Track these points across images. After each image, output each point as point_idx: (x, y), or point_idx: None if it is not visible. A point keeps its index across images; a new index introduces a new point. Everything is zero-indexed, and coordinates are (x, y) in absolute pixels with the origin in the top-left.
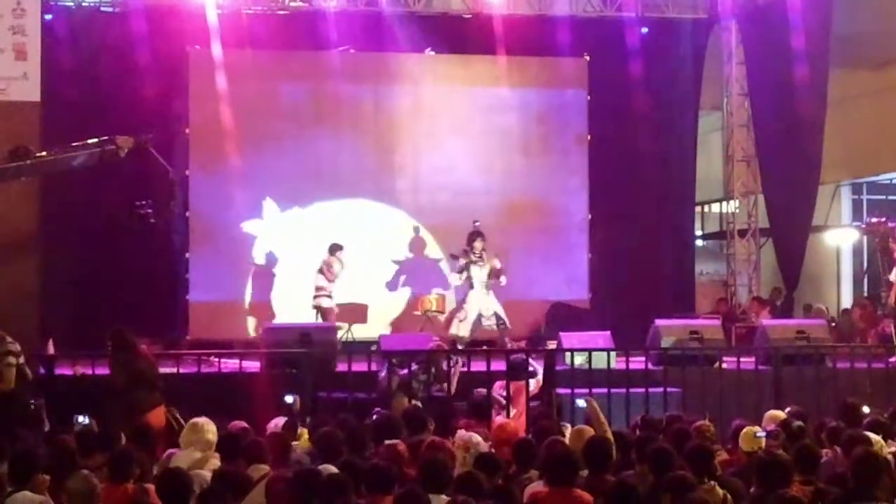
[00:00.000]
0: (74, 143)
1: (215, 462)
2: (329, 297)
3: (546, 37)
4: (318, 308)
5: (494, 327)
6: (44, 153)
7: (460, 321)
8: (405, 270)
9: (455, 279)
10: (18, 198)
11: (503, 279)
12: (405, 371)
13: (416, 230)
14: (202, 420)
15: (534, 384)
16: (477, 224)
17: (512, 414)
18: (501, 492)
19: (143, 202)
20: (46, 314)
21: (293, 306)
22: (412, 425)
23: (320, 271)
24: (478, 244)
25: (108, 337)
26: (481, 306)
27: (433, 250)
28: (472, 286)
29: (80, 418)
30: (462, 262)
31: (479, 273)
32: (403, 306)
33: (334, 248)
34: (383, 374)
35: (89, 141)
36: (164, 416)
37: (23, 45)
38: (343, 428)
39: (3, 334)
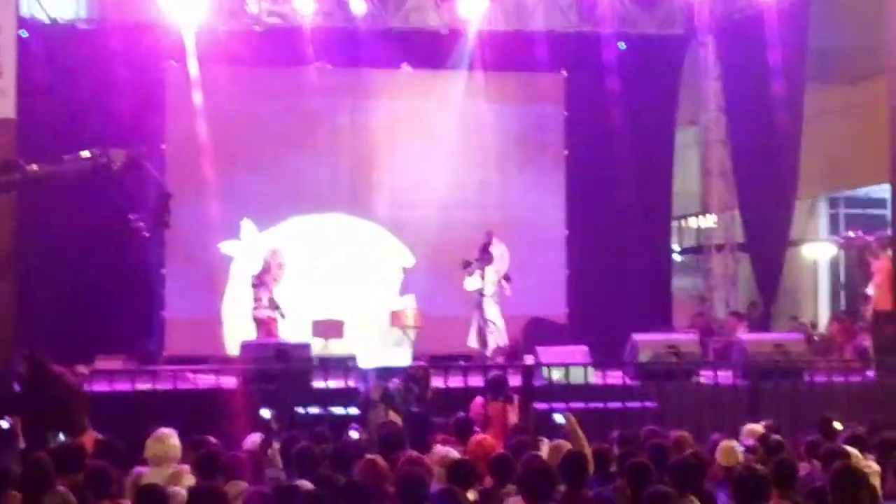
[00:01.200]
0: (65, 156)
1: (189, 478)
2: (266, 308)
3: (523, 52)
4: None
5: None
6: (34, 166)
7: (492, 334)
8: (381, 285)
9: (470, 283)
10: None
11: (508, 288)
12: (392, 383)
13: (392, 245)
14: (165, 431)
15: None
16: (489, 233)
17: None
18: None
19: (136, 216)
20: (23, 330)
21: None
22: (390, 441)
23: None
24: (492, 250)
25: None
26: (493, 315)
27: (409, 265)
28: (483, 294)
29: (58, 435)
30: (475, 265)
31: (492, 278)
32: (381, 322)
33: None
34: (369, 384)
35: (81, 154)
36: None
37: None
38: (319, 443)
39: None
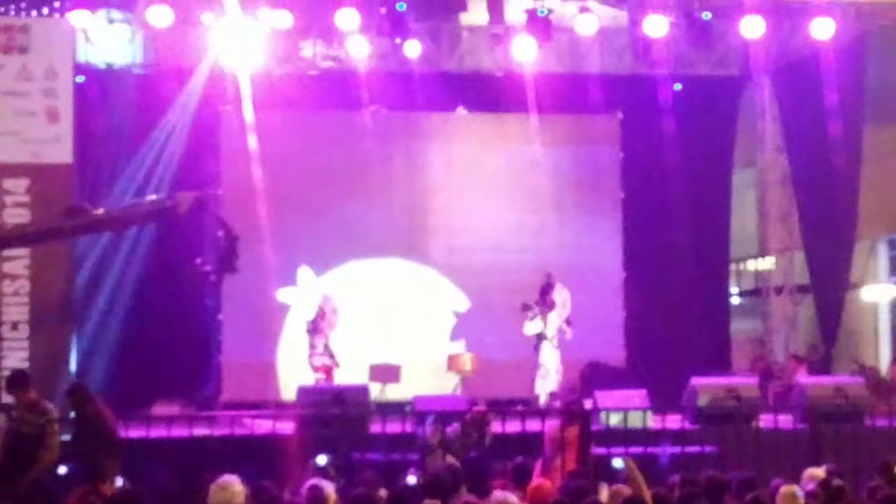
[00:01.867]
0: (133, 201)
1: None
2: (321, 355)
3: (578, 94)
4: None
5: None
6: (101, 210)
7: (542, 378)
8: (435, 329)
9: (529, 328)
10: (51, 259)
11: (569, 332)
12: (451, 428)
13: (447, 289)
14: (229, 479)
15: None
16: (550, 276)
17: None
18: None
19: (202, 259)
20: (81, 376)
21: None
22: (446, 485)
23: (311, 331)
24: (554, 295)
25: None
26: (552, 360)
27: (462, 309)
28: (544, 337)
29: (119, 481)
30: (536, 309)
31: (554, 322)
32: (437, 366)
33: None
34: (428, 429)
35: (148, 198)
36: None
37: (55, 107)
38: (375, 487)
39: (46, 403)
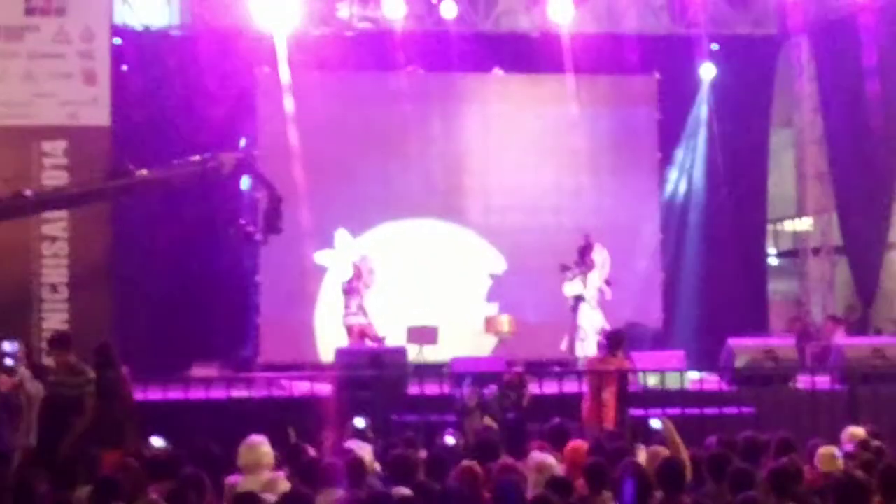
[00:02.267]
0: (175, 161)
1: (284, 485)
2: (355, 314)
3: (615, 55)
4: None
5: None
6: (144, 171)
7: (582, 341)
8: (473, 291)
9: (569, 288)
10: (89, 221)
11: (609, 292)
12: (489, 390)
13: (485, 250)
14: (257, 439)
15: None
16: (588, 236)
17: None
18: None
19: (246, 220)
20: (120, 338)
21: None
22: (486, 448)
23: (346, 291)
24: (594, 256)
25: (97, 351)
26: (593, 321)
27: (499, 271)
28: (582, 299)
29: (156, 440)
30: (576, 270)
31: (595, 283)
32: (475, 328)
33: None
34: (465, 390)
35: (191, 158)
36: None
37: (92, 69)
38: (413, 449)
39: (85, 366)
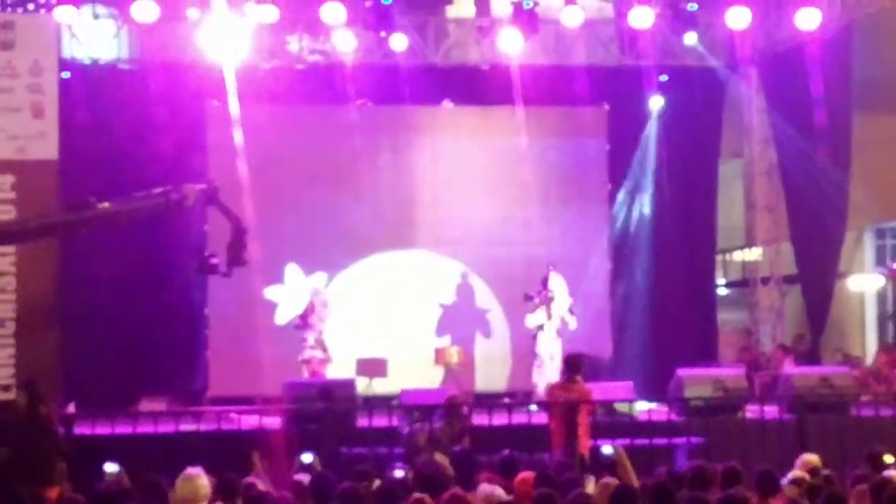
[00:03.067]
0: (138, 194)
1: None
2: (313, 348)
3: (564, 86)
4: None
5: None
6: (106, 204)
7: (538, 368)
8: (423, 323)
9: (532, 319)
10: (37, 256)
11: (573, 321)
12: (438, 426)
13: (434, 282)
14: (193, 471)
15: None
16: (551, 267)
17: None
18: None
19: (210, 252)
20: (68, 373)
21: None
22: (435, 480)
23: (300, 326)
24: (550, 285)
25: (26, 385)
26: (552, 350)
27: (449, 302)
28: (541, 328)
29: (109, 466)
30: (537, 300)
31: (557, 312)
32: (424, 360)
33: (313, 298)
34: (406, 429)
35: (155, 191)
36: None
37: (40, 103)
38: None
39: None
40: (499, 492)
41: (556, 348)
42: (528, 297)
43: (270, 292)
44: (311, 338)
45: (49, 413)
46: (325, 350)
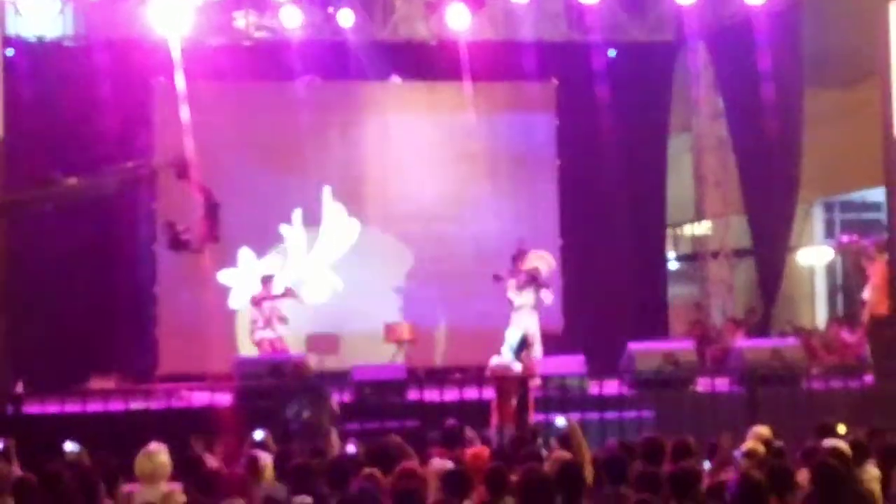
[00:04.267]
0: (107, 168)
1: (180, 497)
2: (262, 329)
3: (512, 61)
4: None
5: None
6: (73, 180)
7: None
8: (374, 299)
9: (519, 299)
10: None
11: (549, 296)
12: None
13: (385, 259)
14: (154, 447)
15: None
16: (522, 241)
17: None
18: None
19: (184, 228)
20: (14, 350)
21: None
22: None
23: (255, 304)
24: (535, 263)
25: None
26: (528, 326)
27: (401, 278)
28: (514, 307)
29: (71, 446)
30: (515, 280)
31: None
32: (375, 336)
33: (266, 281)
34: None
35: (125, 165)
36: None
37: None
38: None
39: None
40: (449, 465)
41: (535, 324)
42: (498, 277)
43: (224, 276)
44: (261, 319)
45: None
46: (274, 329)
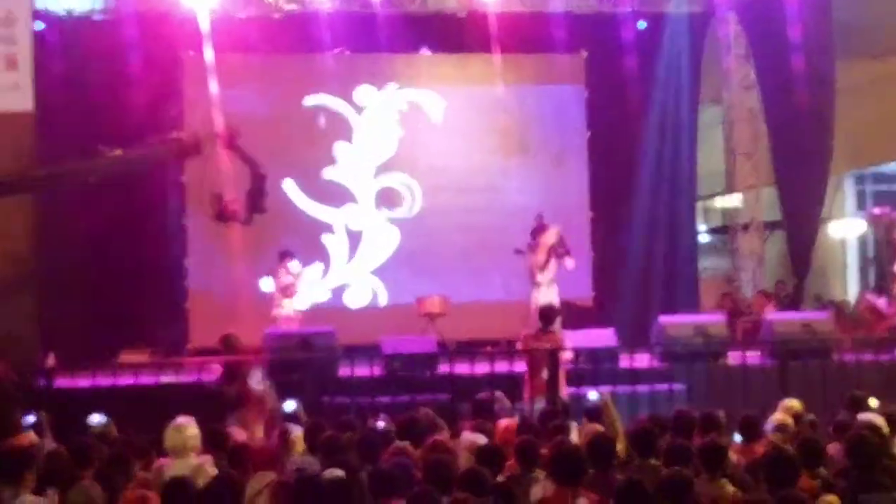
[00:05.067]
0: (150, 140)
1: (212, 470)
2: (280, 306)
3: (542, 33)
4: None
5: None
6: (118, 151)
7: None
8: (407, 272)
9: (541, 274)
10: (10, 211)
11: (570, 262)
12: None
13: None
14: (183, 421)
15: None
16: (541, 217)
17: None
18: (504, 489)
19: (232, 198)
20: (46, 326)
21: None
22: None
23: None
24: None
25: None
26: (551, 299)
27: (433, 250)
28: (535, 282)
29: (96, 418)
30: (539, 256)
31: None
32: (407, 309)
33: (283, 257)
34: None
35: (170, 136)
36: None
37: (13, 54)
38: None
39: None
40: (481, 439)
41: (555, 296)
42: (519, 251)
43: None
44: (283, 300)
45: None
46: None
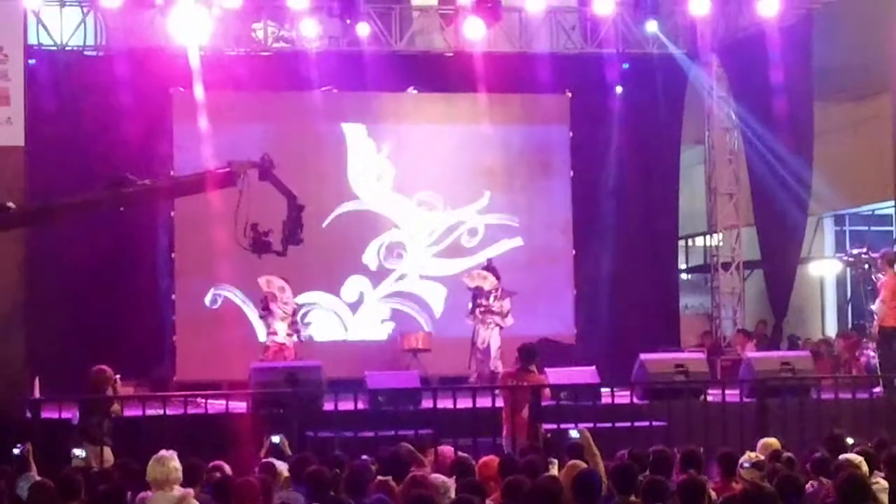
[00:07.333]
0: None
1: (192, 503)
2: (274, 334)
3: (527, 74)
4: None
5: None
6: (147, 181)
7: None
8: (389, 308)
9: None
10: (3, 242)
11: (509, 319)
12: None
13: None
14: (165, 454)
15: None
16: (489, 260)
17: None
18: None
19: (267, 230)
20: (32, 356)
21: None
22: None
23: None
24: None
25: None
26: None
27: (417, 286)
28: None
29: (78, 452)
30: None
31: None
32: (391, 344)
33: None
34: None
35: (215, 170)
36: None
37: (6, 89)
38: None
39: None
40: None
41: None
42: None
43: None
44: (273, 324)
45: None
46: (289, 335)
